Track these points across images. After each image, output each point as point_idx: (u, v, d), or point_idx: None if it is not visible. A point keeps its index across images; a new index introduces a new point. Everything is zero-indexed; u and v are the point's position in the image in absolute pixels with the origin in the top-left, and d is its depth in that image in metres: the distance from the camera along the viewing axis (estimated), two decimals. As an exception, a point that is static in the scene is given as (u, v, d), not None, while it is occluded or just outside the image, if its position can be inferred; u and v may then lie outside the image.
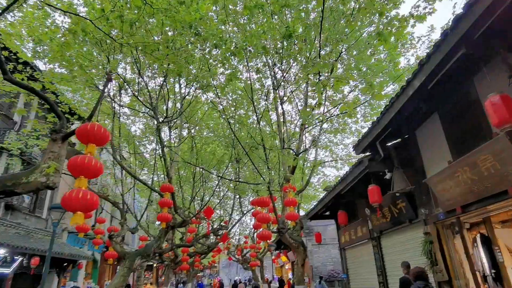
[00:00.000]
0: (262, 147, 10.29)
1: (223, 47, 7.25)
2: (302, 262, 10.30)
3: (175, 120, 13.45)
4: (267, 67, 10.27)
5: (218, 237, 17.83)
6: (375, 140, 6.86)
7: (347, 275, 11.73)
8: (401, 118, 6.19)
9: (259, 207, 11.07)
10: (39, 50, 8.43)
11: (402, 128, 6.92)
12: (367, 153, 7.28)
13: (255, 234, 23.81)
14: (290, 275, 26.09)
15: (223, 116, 9.75)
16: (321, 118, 10.54)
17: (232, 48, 6.94)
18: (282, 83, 11.06)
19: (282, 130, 10.15)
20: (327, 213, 12.90)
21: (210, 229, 15.93)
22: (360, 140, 7.21)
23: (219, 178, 10.30)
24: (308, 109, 10.03)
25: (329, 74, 8.87)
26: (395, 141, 7.05)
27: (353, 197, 9.80)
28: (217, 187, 15.55)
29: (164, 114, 11.72)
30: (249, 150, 10.58)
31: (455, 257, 6.06)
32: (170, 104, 14.06)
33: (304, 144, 10.56)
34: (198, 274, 55.71)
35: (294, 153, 9.33)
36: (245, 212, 21.71)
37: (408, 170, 6.94)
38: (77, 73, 7.89)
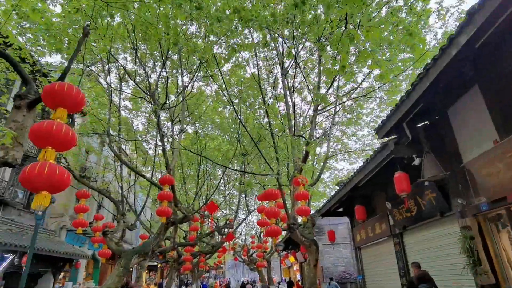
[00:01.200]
0: (270, 134, 9.42)
1: (225, 21, 6.45)
2: (314, 262, 9.37)
3: (178, 114, 12.66)
4: (274, 43, 9.38)
5: (223, 236, 16.97)
6: (402, 120, 5.93)
7: (362, 277, 10.77)
8: (435, 92, 5.27)
9: (265, 203, 10.21)
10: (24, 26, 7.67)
11: (434, 106, 5.98)
12: (392, 137, 6.35)
13: (262, 233, 22.90)
14: (298, 277, 25.11)
15: (226, 95, 8.86)
16: (334, 102, 9.62)
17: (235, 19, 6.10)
18: (291, 67, 10.17)
19: (291, 112, 9.23)
20: (340, 209, 11.96)
21: (214, 226, 15.06)
22: (384, 120, 6.28)
23: (224, 169, 9.41)
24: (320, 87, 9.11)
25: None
26: (424, 122, 6.11)
27: (372, 189, 8.87)
28: (222, 179, 14.56)
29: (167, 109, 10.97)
30: (257, 139, 9.72)
31: (503, 256, 5.10)
32: (172, 98, 13.36)
33: (316, 131, 9.63)
34: (203, 275, 54.91)
35: (305, 140, 8.41)
36: (251, 210, 20.84)
37: (439, 155, 6.00)
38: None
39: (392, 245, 8.60)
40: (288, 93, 9.21)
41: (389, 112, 6.19)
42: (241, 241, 30.22)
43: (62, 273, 17.36)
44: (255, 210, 23.19)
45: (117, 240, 13.98)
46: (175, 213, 10.04)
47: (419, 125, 6.11)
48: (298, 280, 22.63)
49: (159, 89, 11.71)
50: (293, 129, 8.89)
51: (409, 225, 7.73)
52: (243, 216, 21.36)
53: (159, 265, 33.35)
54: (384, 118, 6.28)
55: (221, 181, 21.04)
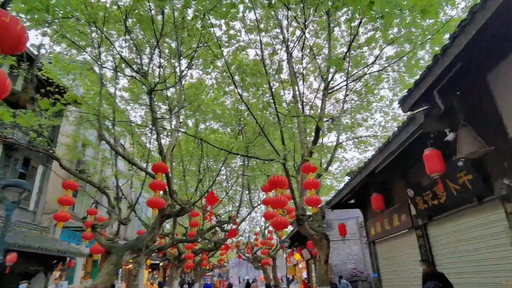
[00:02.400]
0: (275, 120, 8.49)
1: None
2: (325, 258, 8.42)
3: (174, 101, 11.76)
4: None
5: (226, 232, 16.09)
6: (433, 86, 4.96)
7: (378, 274, 9.80)
8: (472, 53, 4.31)
9: (271, 193, 9.27)
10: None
11: (471, 69, 5.01)
12: (420, 109, 5.36)
13: (266, 230, 21.99)
14: (304, 275, 24.16)
15: (228, 73, 7.92)
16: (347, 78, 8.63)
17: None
18: (298, 42, 9.21)
19: (297, 92, 8.26)
20: (352, 201, 10.99)
21: (214, 219, 14.17)
22: (411, 89, 5.29)
23: (226, 155, 8.50)
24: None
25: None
26: (459, 89, 5.14)
27: (390, 175, 7.88)
28: (223, 166, 13.61)
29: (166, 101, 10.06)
30: (262, 124, 8.77)
31: None
32: (172, 89, 12.46)
33: (326, 112, 8.64)
34: (207, 274, 54.10)
35: (315, 119, 7.46)
36: (255, 206, 19.95)
37: (478, 127, 5.02)
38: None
39: (414, 238, 7.62)
40: (294, 68, 8.25)
41: (417, 79, 5.21)
42: (245, 238, 29.35)
43: (59, 272, 16.57)
44: (259, 205, 22.30)
45: (112, 236, 13.16)
46: (172, 206, 9.14)
47: (453, 93, 5.14)
48: (305, 279, 21.67)
49: (155, 72, 10.84)
50: (301, 110, 7.93)
51: (435, 214, 6.76)
52: (247, 213, 20.47)
53: (161, 264, 32.56)
54: (412, 87, 5.30)
55: (222, 171, 20.19)
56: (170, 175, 8.33)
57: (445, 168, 5.25)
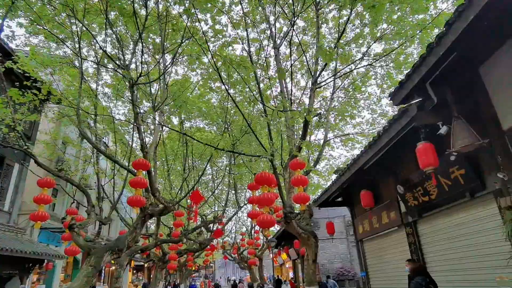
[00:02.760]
0: (261, 117, 8.23)
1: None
2: (313, 257, 8.20)
3: (158, 95, 11.35)
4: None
5: (211, 233, 15.75)
6: (425, 79, 4.80)
7: (366, 273, 9.66)
8: (468, 41, 4.15)
9: (257, 192, 9.02)
10: None
11: (463, 62, 4.87)
12: (413, 102, 5.19)
13: (253, 230, 21.74)
14: (291, 274, 24.03)
15: (212, 63, 7.63)
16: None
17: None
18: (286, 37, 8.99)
19: (286, 87, 8.02)
20: (339, 199, 10.84)
21: (199, 218, 13.81)
22: (403, 81, 5.11)
23: (213, 150, 8.17)
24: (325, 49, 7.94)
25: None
26: (452, 82, 4.99)
27: (379, 172, 7.73)
28: (208, 163, 13.26)
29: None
30: (248, 118, 8.51)
31: None
32: (155, 86, 12.04)
33: (315, 109, 8.42)
34: (193, 275, 53.42)
35: (303, 112, 7.22)
36: (241, 206, 19.66)
37: (471, 121, 4.88)
38: None
39: (403, 236, 7.49)
40: (281, 63, 8.00)
41: (409, 71, 5.03)
42: (231, 239, 29.01)
43: (37, 276, 15.88)
44: (246, 205, 22.01)
45: (94, 236, 12.64)
46: (154, 205, 8.77)
47: (446, 85, 4.99)
48: (291, 278, 21.52)
49: (138, 68, 10.40)
50: (288, 104, 7.68)
51: (426, 211, 6.62)
52: (233, 213, 20.14)
53: (145, 265, 31.86)
54: (403, 79, 5.12)
55: (208, 170, 19.78)
56: (152, 172, 7.96)
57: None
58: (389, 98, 5.49)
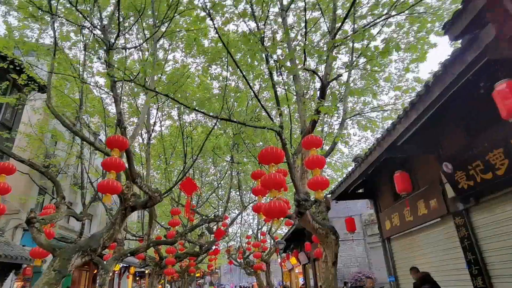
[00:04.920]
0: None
1: None
2: (334, 258, 6.56)
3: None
4: None
5: (212, 233, 14.16)
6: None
7: (395, 278, 8.00)
8: None
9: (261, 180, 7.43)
10: None
11: None
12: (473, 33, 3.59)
13: (259, 232, 20.05)
14: (301, 280, 22.25)
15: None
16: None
17: None
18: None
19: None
20: (361, 190, 9.22)
21: (197, 217, 12.29)
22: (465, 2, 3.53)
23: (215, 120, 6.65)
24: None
25: None
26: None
27: (416, 148, 6.09)
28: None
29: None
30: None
31: None
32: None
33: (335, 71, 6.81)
34: (198, 281, 51.62)
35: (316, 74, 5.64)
36: (246, 205, 18.06)
37: None
38: None
39: (450, 229, 5.85)
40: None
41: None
42: (236, 243, 27.30)
43: (20, 283, 14.40)
44: (252, 202, 20.38)
45: (76, 236, 11.17)
46: (137, 197, 7.23)
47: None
48: (302, 285, 19.77)
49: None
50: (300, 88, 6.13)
51: (486, 195, 4.99)
52: (238, 214, 18.53)
53: (147, 271, 30.25)
54: (456, 12, 3.53)
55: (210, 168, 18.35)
56: (131, 153, 6.44)
57: (489, 134, 3.49)
58: (444, 29, 3.89)
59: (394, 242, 8.13)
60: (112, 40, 6.49)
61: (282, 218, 5.41)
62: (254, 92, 5.58)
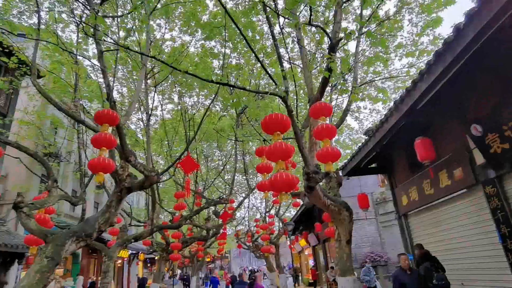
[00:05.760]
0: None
1: None
2: (347, 236, 6.03)
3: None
4: None
5: (218, 215, 13.74)
6: None
7: (413, 256, 7.45)
8: None
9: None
10: None
11: None
12: None
13: (267, 214, 19.64)
14: (311, 262, 21.95)
15: None
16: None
17: None
18: None
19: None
20: (374, 165, 8.61)
21: (196, 193, 11.82)
22: None
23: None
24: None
25: None
26: None
27: (438, 112, 5.43)
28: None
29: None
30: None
31: None
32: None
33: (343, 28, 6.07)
34: (209, 266, 51.93)
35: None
36: (253, 188, 17.58)
37: None
38: None
39: (478, 200, 5.24)
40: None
41: None
42: (245, 227, 27.04)
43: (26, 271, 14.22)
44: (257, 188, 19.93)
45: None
46: (130, 175, 6.71)
47: None
48: (313, 267, 19.46)
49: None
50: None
51: (524, 158, 4.35)
52: (245, 198, 18.08)
53: (157, 258, 30.28)
54: None
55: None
56: (124, 129, 5.86)
57: None
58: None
59: (411, 219, 7.55)
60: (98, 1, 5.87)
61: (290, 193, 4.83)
62: (256, 55, 4.91)
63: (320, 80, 6.04)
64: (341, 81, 8.42)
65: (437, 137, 5.90)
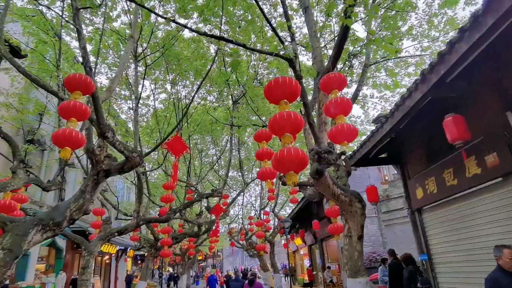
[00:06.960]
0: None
1: None
2: (360, 231, 5.21)
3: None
4: None
5: (209, 210, 12.88)
6: None
7: (428, 256, 6.67)
8: None
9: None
10: None
11: None
12: None
13: (262, 211, 18.80)
14: (306, 262, 21.16)
15: None
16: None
17: None
18: None
19: None
20: (384, 155, 7.81)
21: (189, 187, 10.95)
22: None
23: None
24: None
25: None
26: None
27: (471, 87, 4.62)
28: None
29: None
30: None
31: None
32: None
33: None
34: (200, 264, 51.00)
35: None
36: (248, 182, 16.74)
37: None
38: None
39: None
40: None
41: None
42: (238, 225, 26.15)
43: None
44: (253, 181, 19.06)
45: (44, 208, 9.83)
46: (113, 159, 5.82)
47: None
48: (310, 266, 18.65)
49: None
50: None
51: None
52: (240, 193, 17.22)
53: (146, 254, 29.27)
54: None
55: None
56: (99, 99, 4.95)
57: None
58: None
59: (427, 214, 6.75)
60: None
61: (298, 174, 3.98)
62: (261, 9, 4.06)
63: (332, 50, 5.21)
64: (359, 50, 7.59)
65: (467, 118, 5.09)
